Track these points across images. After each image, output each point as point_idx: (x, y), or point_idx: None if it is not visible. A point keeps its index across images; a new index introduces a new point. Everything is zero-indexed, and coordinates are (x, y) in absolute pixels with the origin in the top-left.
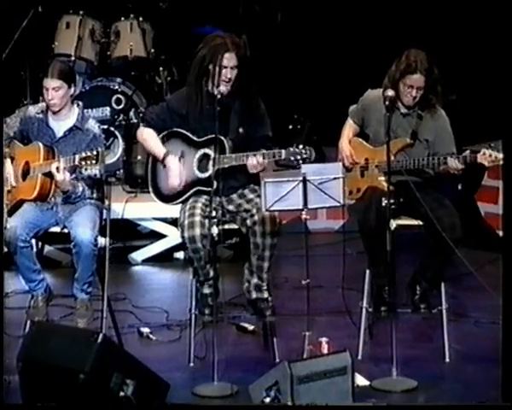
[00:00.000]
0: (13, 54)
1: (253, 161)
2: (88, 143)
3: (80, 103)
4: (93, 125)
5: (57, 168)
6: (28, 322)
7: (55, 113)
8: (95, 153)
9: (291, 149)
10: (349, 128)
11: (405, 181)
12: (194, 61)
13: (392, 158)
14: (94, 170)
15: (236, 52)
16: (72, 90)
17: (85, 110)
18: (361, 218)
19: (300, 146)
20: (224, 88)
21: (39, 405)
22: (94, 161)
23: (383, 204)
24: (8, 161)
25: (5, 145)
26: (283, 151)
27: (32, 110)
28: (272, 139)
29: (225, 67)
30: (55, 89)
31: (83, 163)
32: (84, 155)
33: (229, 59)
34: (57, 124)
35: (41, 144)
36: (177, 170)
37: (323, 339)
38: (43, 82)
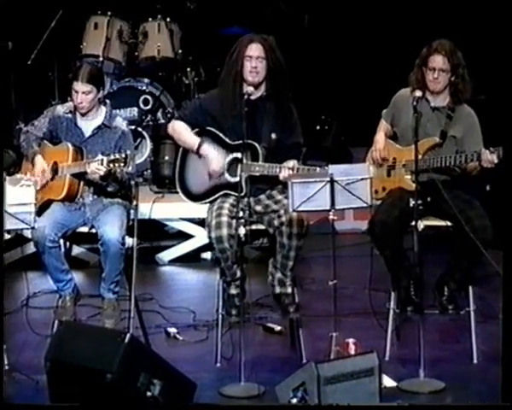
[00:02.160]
0: (41, 54)
1: (286, 174)
2: (116, 141)
3: (108, 102)
4: (121, 123)
5: (92, 171)
6: (56, 322)
7: (83, 114)
8: (123, 155)
9: (325, 168)
10: (383, 126)
11: (433, 181)
12: (224, 63)
13: (421, 157)
14: (123, 173)
15: (262, 44)
16: (101, 93)
17: (113, 110)
18: (383, 218)
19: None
20: (250, 79)
21: (47, 405)
22: (122, 164)
23: (411, 205)
24: (39, 158)
25: (35, 145)
26: (318, 169)
27: (61, 110)
28: (303, 146)
29: (250, 57)
30: (84, 93)
31: (111, 166)
32: (112, 157)
33: (253, 49)
34: (85, 123)
35: (70, 145)
36: (215, 155)
37: (350, 340)
38: (73, 85)
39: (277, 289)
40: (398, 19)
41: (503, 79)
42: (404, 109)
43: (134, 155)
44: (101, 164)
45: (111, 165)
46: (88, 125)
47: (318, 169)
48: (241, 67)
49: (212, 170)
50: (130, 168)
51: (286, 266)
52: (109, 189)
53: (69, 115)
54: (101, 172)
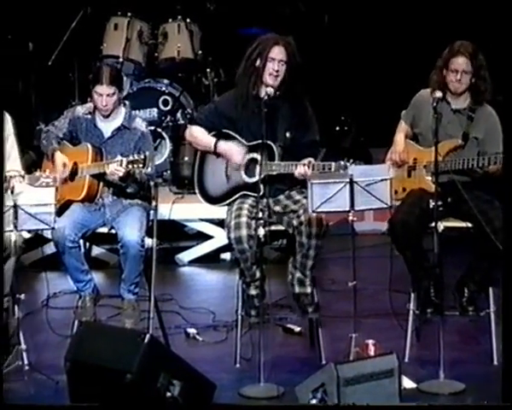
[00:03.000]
0: (62, 55)
1: (301, 171)
2: (136, 142)
3: (127, 103)
4: (140, 124)
5: (111, 172)
6: (76, 322)
7: (104, 116)
8: (142, 157)
9: (341, 163)
10: (402, 128)
11: (453, 181)
12: (242, 61)
13: (441, 158)
14: (142, 174)
15: (286, 47)
16: (121, 93)
17: (133, 111)
18: (404, 219)
19: (351, 160)
20: (270, 82)
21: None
22: (141, 165)
23: (431, 206)
24: (59, 154)
25: (55, 143)
26: (333, 164)
27: (80, 110)
28: (319, 144)
29: (273, 59)
30: (109, 95)
31: (130, 167)
32: (131, 158)
33: (277, 52)
34: (105, 124)
35: (89, 145)
36: (234, 147)
37: (370, 341)
38: (96, 88)
39: (297, 289)
40: (419, 18)
41: None
42: (424, 110)
43: (153, 156)
44: (121, 165)
45: (130, 166)
46: (107, 127)
47: (334, 164)
48: (262, 66)
49: (235, 162)
50: (149, 169)
51: (305, 265)
52: (128, 190)
53: (89, 116)
54: (121, 174)
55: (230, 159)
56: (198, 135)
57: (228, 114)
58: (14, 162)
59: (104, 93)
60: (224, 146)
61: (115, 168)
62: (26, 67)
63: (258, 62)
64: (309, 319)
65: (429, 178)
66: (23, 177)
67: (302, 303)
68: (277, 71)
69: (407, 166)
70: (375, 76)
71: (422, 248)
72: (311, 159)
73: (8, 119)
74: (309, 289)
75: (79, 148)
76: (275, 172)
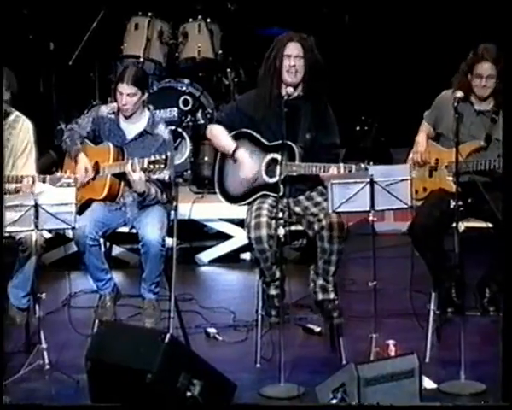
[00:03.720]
0: (82, 55)
1: (321, 174)
2: (157, 148)
3: (151, 107)
4: (163, 131)
5: (132, 166)
6: (96, 321)
7: (126, 117)
8: (163, 157)
9: (362, 166)
10: (424, 128)
11: (474, 182)
12: (262, 62)
13: (463, 159)
14: (163, 174)
15: (301, 43)
16: (146, 95)
17: (154, 112)
18: (424, 220)
19: (371, 163)
20: (289, 80)
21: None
22: (162, 166)
23: (451, 206)
24: (83, 157)
25: (78, 142)
26: (354, 167)
27: (105, 110)
28: (339, 147)
29: (289, 56)
30: (129, 95)
31: (151, 167)
32: (153, 158)
33: (292, 48)
34: (128, 126)
35: (111, 145)
36: (249, 161)
37: (390, 341)
38: (118, 86)
39: (320, 296)
40: (440, 18)
41: None
42: (446, 111)
43: (173, 158)
44: (142, 164)
45: (151, 166)
46: (130, 128)
47: (354, 167)
48: (280, 65)
49: (244, 176)
50: (166, 176)
51: (328, 271)
52: (147, 199)
53: (112, 116)
54: (136, 176)
55: (241, 170)
56: (218, 135)
57: (249, 113)
58: (29, 168)
59: (124, 92)
60: (241, 155)
61: (133, 168)
62: (47, 67)
63: (276, 62)
64: (331, 323)
65: (450, 178)
66: (44, 180)
67: (326, 309)
68: (294, 66)
69: (428, 166)
70: (396, 76)
71: (443, 249)
72: (341, 165)
73: (29, 126)
74: (332, 295)
75: (101, 147)
76: (295, 173)
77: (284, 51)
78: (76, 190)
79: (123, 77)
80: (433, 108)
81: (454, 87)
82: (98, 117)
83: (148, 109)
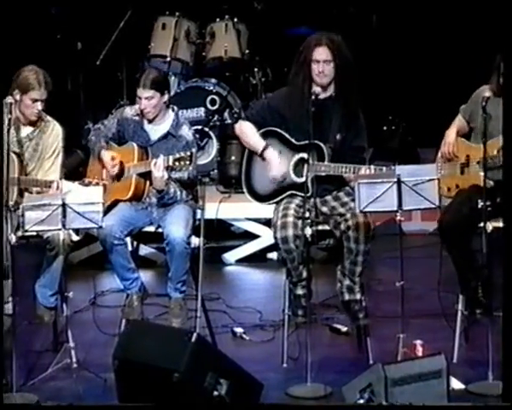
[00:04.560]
0: (110, 55)
1: (351, 176)
2: (180, 150)
3: (175, 108)
4: (186, 132)
5: (155, 164)
6: (123, 321)
7: (150, 120)
8: (188, 153)
9: (392, 167)
10: (458, 122)
11: None
12: (292, 64)
13: (496, 153)
14: (183, 173)
15: (329, 46)
16: (166, 97)
17: (180, 111)
18: (452, 218)
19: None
20: (318, 81)
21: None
22: (188, 162)
23: (479, 206)
24: (106, 151)
25: (103, 141)
26: (384, 168)
27: (129, 112)
28: (366, 151)
29: (318, 62)
30: (147, 98)
31: (176, 164)
32: (177, 155)
33: (320, 52)
34: (152, 128)
35: (135, 145)
36: (277, 161)
37: (418, 342)
38: (137, 91)
39: (346, 297)
40: (468, 17)
41: None
42: (481, 107)
43: (197, 158)
44: (167, 161)
45: (176, 163)
46: (154, 130)
47: (385, 169)
48: (309, 70)
49: (272, 176)
50: (185, 175)
51: (354, 272)
52: (166, 198)
53: (137, 118)
54: (160, 173)
55: (270, 170)
56: (248, 132)
57: (280, 110)
58: (55, 172)
59: (142, 96)
60: (270, 155)
61: (158, 164)
62: (75, 67)
63: (305, 67)
64: (358, 324)
65: (483, 173)
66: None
67: (352, 309)
68: (323, 71)
69: (460, 164)
70: (423, 76)
71: (471, 248)
72: (372, 167)
73: (59, 132)
74: (358, 296)
75: (125, 148)
76: (324, 174)
77: (312, 56)
78: (103, 190)
79: (140, 81)
80: (470, 103)
81: (491, 87)
82: (122, 119)
83: (173, 110)
